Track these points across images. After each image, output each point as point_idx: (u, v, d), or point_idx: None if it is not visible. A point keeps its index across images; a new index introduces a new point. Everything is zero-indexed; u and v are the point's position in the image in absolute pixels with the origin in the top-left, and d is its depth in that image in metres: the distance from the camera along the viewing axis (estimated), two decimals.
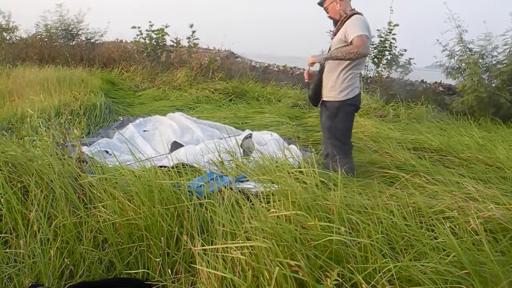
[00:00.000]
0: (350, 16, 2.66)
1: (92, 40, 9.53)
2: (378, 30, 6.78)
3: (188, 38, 8.13)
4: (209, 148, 3.03)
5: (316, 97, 2.93)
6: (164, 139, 3.62)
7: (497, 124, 5.12)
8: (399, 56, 6.90)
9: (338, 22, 2.76)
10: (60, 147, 2.51)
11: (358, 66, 2.75)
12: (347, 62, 2.66)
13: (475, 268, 1.36)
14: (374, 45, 6.86)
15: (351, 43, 2.54)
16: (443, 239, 1.53)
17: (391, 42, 6.78)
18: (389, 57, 6.91)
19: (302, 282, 1.32)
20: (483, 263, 1.42)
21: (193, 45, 8.21)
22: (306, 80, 3.00)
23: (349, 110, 2.77)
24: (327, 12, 2.84)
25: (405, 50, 6.90)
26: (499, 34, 5.60)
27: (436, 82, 7.17)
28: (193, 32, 8.07)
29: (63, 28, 9.26)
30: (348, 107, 2.75)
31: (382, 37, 6.79)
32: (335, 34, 2.79)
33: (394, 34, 6.74)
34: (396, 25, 6.69)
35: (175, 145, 3.48)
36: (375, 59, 6.94)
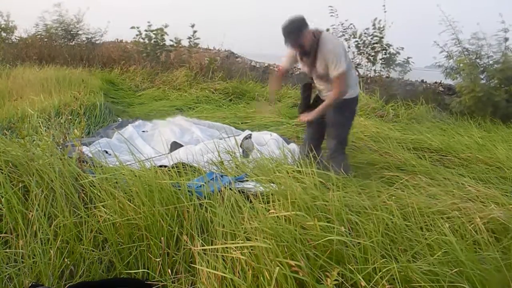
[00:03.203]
0: (319, 39, 2.53)
1: (92, 40, 9.52)
2: (366, 29, 6.81)
3: (189, 38, 8.13)
4: (208, 148, 3.03)
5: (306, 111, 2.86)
6: (164, 139, 3.62)
7: (497, 124, 5.13)
8: (396, 55, 6.90)
9: (309, 51, 2.60)
10: (60, 147, 2.51)
11: (351, 70, 2.80)
12: None
13: (475, 267, 1.36)
14: (367, 42, 6.87)
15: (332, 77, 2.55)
16: (439, 237, 1.53)
17: (381, 39, 6.77)
18: (385, 56, 6.90)
19: (302, 282, 1.32)
20: (483, 263, 1.43)
21: (193, 45, 8.20)
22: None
23: (353, 108, 2.84)
24: (303, 48, 2.58)
25: (402, 48, 6.91)
26: (492, 34, 5.62)
27: (436, 82, 7.17)
28: (194, 32, 8.07)
29: (63, 28, 9.25)
30: (352, 105, 2.80)
31: (371, 35, 6.80)
32: (312, 65, 2.65)
33: (382, 30, 6.74)
34: (375, 18, 6.71)
35: (175, 145, 3.48)
36: (370, 57, 6.95)
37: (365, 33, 6.87)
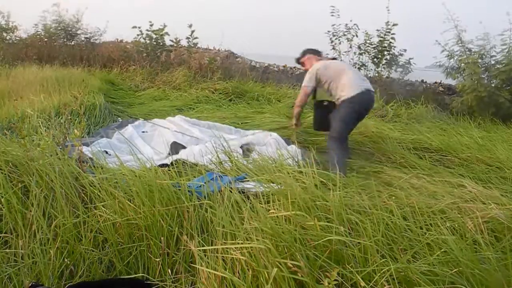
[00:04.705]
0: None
1: (92, 40, 9.51)
2: (377, 30, 6.80)
3: (188, 38, 8.12)
4: (208, 149, 3.03)
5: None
6: (164, 139, 3.62)
7: (497, 124, 5.13)
8: (399, 56, 6.89)
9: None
10: (61, 147, 2.51)
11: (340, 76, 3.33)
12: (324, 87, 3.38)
13: (475, 267, 1.36)
14: (374, 45, 6.86)
15: None
16: (439, 237, 1.53)
17: (390, 42, 6.77)
18: (388, 57, 6.89)
19: (302, 282, 1.32)
20: (482, 262, 1.43)
21: (192, 45, 8.19)
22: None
23: (346, 109, 3.24)
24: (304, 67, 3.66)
25: (405, 50, 6.90)
26: (497, 34, 5.60)
27: (436, 82, 7.17)
28: (192, 31, 8.04)
29: (62, 27, 9.23)
30: (344, 105, 3.23)
31: (382, 37, 6.78)
32: None
33: (393, 34, 6.73)
34: (395, 24, 6.68)
35: (175, 146, 3.48)
36: (375, 59, 6.94)
37: (368, 34, 6.86)
